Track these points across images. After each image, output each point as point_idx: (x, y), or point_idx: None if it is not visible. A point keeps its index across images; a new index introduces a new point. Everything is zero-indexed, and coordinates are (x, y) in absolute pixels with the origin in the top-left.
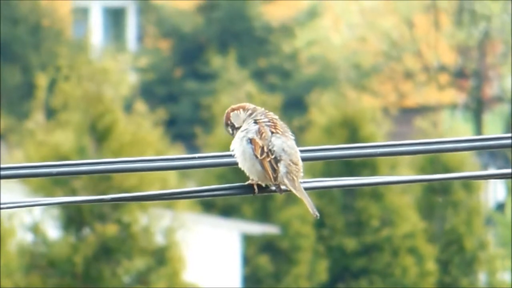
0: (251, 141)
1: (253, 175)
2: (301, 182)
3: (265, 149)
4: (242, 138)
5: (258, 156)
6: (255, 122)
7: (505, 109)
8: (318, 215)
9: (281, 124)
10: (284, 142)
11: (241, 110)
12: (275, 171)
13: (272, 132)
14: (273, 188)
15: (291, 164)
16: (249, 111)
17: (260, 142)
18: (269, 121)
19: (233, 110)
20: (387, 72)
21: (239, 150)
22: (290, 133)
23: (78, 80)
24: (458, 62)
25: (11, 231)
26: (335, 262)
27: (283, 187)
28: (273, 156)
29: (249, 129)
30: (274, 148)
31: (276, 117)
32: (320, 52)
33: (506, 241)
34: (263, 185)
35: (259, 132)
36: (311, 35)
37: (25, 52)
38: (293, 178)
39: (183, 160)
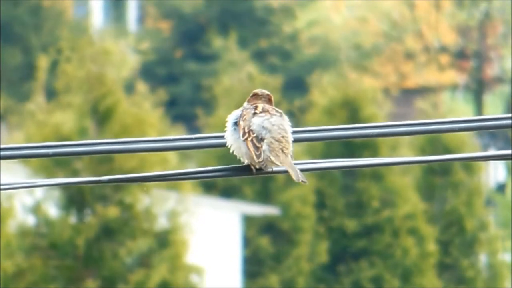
0: (236, 124)
1: (242, 157)
2: (296, 162)
3: (246, 129)
4: (229, 124)
5: (241, 137)
6: (243, 108)
7: (505, 90)
8: (304, 181)
9: (265, 105)
10: (266, 120)
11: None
12: (257, 149)
13: (255, 113)
14: (258, 167)
15: (273, 141)
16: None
17: (242, 124)
18: (252, 105)
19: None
20: (387, 52)
21: (227, 135)
22: (277, 111)
23: (79, 62)
24: (459, 42)
25: (10, 212)
26: (336, 243)
27: (267, 167)
28: (254, 135)
29: (235, 115)
30: (253, 127)
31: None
32: (321, 32)
33: (506, 221)
34: (256, 166)
35: (242, 116)
36: (312, 15)
37: (25, 33)
38: (277, 154)
39: (181, 141)
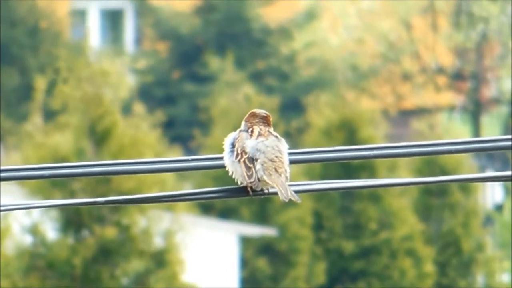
0: (233, 146)
1: (238, 178)
2: (293, 183)
3: (239, 151)
4: (226, 146)
5: (234, 158)
6: (239, 131)
7: (503, 111)
8: (295, 199)
9: (261, 128)
10: (259, 142)
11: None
12: (249, 169)
13: (250, 136)
14: (249, 187)
15: (266, 161)
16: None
17: (236, 145)
18: (248, 128)
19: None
20: (385, 74)
21: (225, 158)
22: (273, 135)
23: (77, 82)
24: (456, 64)
25: (7, 231)
26: (333, 264)
27: (261, 188)
28: (246, 156)
29: (232, 137)
30: (247, 150)
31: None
32: (318, 54)
33: (505, 242)
34: (252, 187)
35: (236, 138)
36: (309, 37)
37: (23, 54)
38: (270, 173)
39: (178, 162)
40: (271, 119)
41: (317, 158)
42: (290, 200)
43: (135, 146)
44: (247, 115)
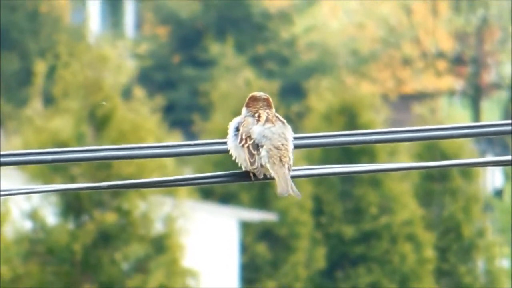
0: (237, 130)
1: (241, 163)
2: (293, 168)
3: (244, 136)
4: (231, 130)
5: (238, 143)
6: (244, 116)
7: (503, 96)
8: (295, 194)
9: (269, 113)
10: (267, 128)
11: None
12: (252, 156)
13: (257, 121)
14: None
15: (272, 148)
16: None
17: (241, 130)
18: (254, 113)
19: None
20: (385, 58)
21: (228, 142)
22: (280, 120)
23: (77, 67)
24: (456, 48)
25: (6, 216)
26: (333, 249)
27: (261, 174)
28: (251, 142)
29: (236, 121)
30: (254, 135)
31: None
32: (318, 38)
33: (504, 227)
34: (254, 172)
35: (241, 123)
36: (309, 21)
37: (23, 39)
38: (273, 162)
39: (179, 147)
40: (272, 101)
41: (317, 143)
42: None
43: (135, 131)
44: (247, 99)
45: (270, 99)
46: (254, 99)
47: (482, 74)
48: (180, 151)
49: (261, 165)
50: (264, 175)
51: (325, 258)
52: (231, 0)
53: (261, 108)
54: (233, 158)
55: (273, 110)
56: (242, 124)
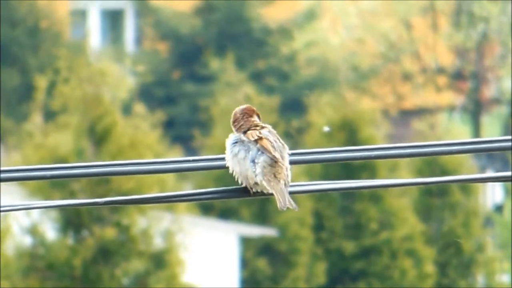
0: (235, 142)
1: (239, 177)
2: (293, 184)
3: (257, 135)
4: (228, 145)
5: (252, 141)
6: (243, 132)
7: (503, 111)
8: (293, 207)
9: (267, 131)
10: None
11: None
12: (274, 149)
13: (259, 137)
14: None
15: (266, 166)
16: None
17: (249, 133)
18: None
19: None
20: (385, 74)
21: (227, 157)
22: (276, 137)
23: (77, 83)
24: (456, 64)
25: (6, 232)
26: (334, 264)
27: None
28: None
29: (233, 138)
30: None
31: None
32: (319, 53)
33: (505, 242)
34: (253, 188)
35: (243, 135)
36: (309, 36)
37: (23, 54)
38: (269, 180)
39: (178, 163)
40: (252, 107)
41: (317, 159)
42: (288, 208)
43: (134, 146)
44: (235, 119)
45: (249, 108)
46: (246, 114)
47: (482, 89)
48: (179, 167)
49: (257, 184)
50: (262, 191)
51: (326, 274)
52: (231, 16)
53: (259, 127)
54: (231, 171)
55: (256, 118)
56: (247, 134)
